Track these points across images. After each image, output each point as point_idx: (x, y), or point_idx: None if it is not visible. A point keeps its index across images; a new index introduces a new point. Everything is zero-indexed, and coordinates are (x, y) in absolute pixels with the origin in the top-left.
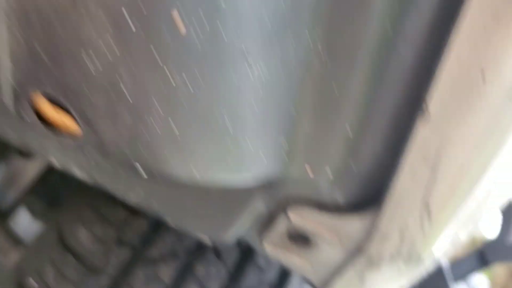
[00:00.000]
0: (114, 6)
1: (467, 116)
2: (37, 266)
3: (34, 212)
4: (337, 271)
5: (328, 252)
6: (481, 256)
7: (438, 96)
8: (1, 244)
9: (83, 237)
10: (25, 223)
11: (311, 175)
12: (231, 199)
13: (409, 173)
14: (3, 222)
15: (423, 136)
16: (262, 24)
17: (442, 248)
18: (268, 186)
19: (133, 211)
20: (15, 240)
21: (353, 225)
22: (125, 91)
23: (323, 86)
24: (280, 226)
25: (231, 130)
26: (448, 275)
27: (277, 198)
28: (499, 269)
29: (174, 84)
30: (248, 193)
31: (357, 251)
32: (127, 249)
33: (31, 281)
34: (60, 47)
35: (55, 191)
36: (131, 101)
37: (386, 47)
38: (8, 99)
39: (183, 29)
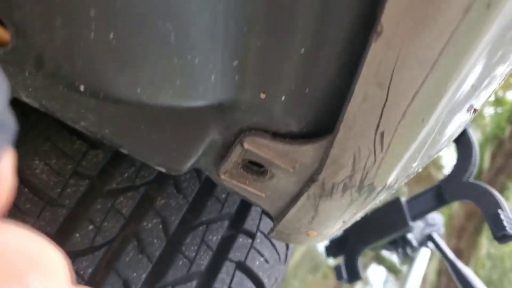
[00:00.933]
0: None
1: (422, 33)
2: None
3: None
4: (292, 200)
5: (282, 181)
6: (438, 194)
7: (392, 13)
8: None
9: (39, 170)
10: None
11: (265, 103)
12: (186, 129)
13: (362, 97)
14: None
15: (376, 55)
16: None
17: (396, 178)
18: (221, 112)
19: (91, 144)
20: None
21: (307, 153)
22: None
23: (274, 17)
24: (235, 156)
25: (176, 46)
26: (407, 212)
27: (231, 126)
28: (456, 211)
29: None
30: (202, 122)
31: (311, 180)
32: (85, 181)
33: None
34: None
35: None
36: (66, 8)
37: None
38: None
39: None
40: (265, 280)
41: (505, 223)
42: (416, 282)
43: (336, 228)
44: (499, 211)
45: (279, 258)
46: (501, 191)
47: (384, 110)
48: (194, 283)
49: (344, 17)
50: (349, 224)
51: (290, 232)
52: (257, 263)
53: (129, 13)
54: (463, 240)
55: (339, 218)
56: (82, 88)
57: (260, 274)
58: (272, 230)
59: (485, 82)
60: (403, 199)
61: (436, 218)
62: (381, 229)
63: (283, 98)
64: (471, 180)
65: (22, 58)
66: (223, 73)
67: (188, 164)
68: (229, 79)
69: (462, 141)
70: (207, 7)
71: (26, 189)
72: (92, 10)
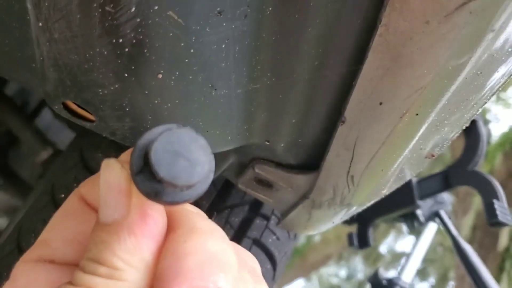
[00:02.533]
0: None
1: (372, 126)
2: (65, 183)
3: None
4: (292, 206)
5: (284, 194)
6: (445, 178)
7: (351, 110)
8: (31, 144)
9: (100, 161)
10: (52, 124)
11: (269, 147)
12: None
13: (335, 154)
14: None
15: (342, 133)
16: (223, 63)
17: (369, 199)
18: (238, 151)
19: None
20: (43, 140)
21: (301, 180)
22: None
23: (272, 98)
24: (249, 175)
25: (206, 125)
26: (416, 191)
27: (245, 155)
28: (498, 168)
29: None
30: (224, 152)
31: (304, 197)
32: None
33: (63, 197)
34: None
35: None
36: (132, 112)
37: (316, 76)
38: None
39: None
40: (276, 254)
41: (497, 212)
42: (420, 253)
43: (327, 226)
44: (495, 200)
45: (289, 236)
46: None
47: (352, 163)
48: None
49: (320, 109)
50: (337, 223)
51: (292, 226)
52: (270, 240)
53: (176, 115)
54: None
55: (328, 221)
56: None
57: (272, 249)
58: (279, 222)
59: (428, 146)
60: (414, 179)
61: (445, 197)
62: (392, 204)
63: (282, 145)
64: (476, 169)
65: (102, 130)
66: (237, 132)
67: (215, 175)
68: (243, 135)
69: (471, 132)
70: (227, 107)
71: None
72: (148, 115)
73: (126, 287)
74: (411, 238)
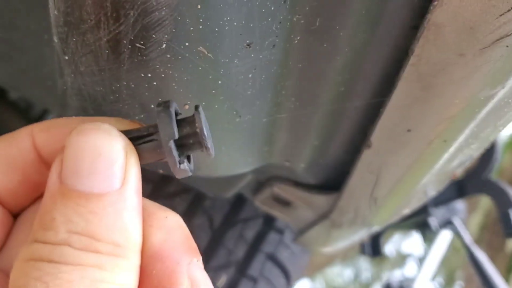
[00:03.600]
0: None
1: (398, 152)
2: None
3: None
4: (310, 225)
5: (303, 212)
6: (460, 186)
7: (378, 136)
8: None
9: None
10: None
11: (289, 167)
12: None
13: (359, 177)
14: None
15: (367, 158)
16: (254, 99)
17: (389, 219)
18: (257, 170)
19: None
20: None
21: (321, 200)
22: None
23: (295, 121)
24: (267, 193)
25: (228, 148)
26: (429, 199)
27: (264, 174)
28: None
29: None
30: (243, 175)
31: (324, 216)
32: (149, 185)
33: None
34: None
35: None
36: None
37: (341, 101)
38: None
39: None
40: (290, 269)
41: None
42: (434, 261)
43: (346, 245)
44: (510, 211)
45: (304, 250)
46: None
47: (376, 186)
48: (232, 269)
49: (345, 132)
50: (356, 241)
51: (309, 244)
52: (285, 254)
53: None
54: None
55: (348, 240)
56: None
57: (287, 264)
58: (295, 239)
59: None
60: None
61: (459, 205)
62: None
63: (302, 165)
64: (491, 177)
65: None
66: (258, 154)
67: (231, 193)
68: (263, 156)
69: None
70: (249, 134)
71: None
72: None
73: (130, 265)
74: (417, 239)
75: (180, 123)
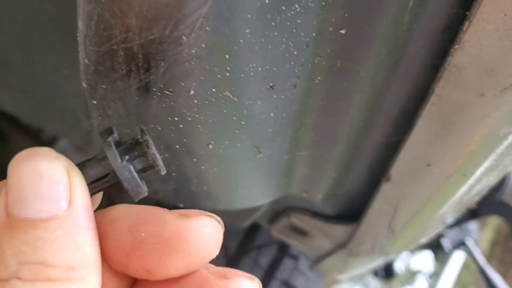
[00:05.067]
0: None
1: (417, 186)
2: None
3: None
4: (327, 254)
5: (319, 242)
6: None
7: (397, 169)
8: None
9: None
10: (68, 153)
11: (307, 198)
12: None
13: (377, 209)
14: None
15: (385, 191)
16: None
17: (406, 248)
18: (274, 201)
19: None
20: None
21: (339, 230)
22: None
23: (314, 155)
24: (284, 223)
25: (248, 183)
26: None
27: (281, 203)
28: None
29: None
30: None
31: (341, 246)
32: None
33: None
34: None
35: None
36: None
37: (360, 136)
38: None
39: None
40: None
41: None
42: (447, 283)
43: (362, 272)
44: None
45: (318, 276)
46: None
47: (394, 218)
48: None
49: (364, 165)
50: (374, 268)
51: (326, 272)
52: (300, 281)
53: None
54: None
55: (364, 268)
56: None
57: None
58: (311, 267)
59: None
60: None
61: (472, 225)
62: None
63: (320, 196)
64: (505, 198)
65: None
66: (276, 186)
67: (247, 224)
68: (282, 188)
69: None
70: (269, 169)
71: None
72: (194, 179)
73: (90, 286)
74: (426, 255)
75: (127, 146)
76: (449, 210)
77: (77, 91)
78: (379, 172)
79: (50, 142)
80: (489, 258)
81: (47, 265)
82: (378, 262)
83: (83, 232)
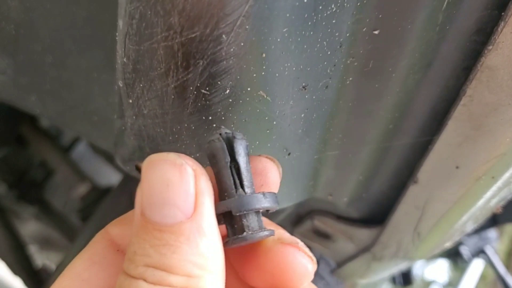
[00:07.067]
0: None
1: (445, 188)
2: None
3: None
4: (350, 258)
5: (343, 245)
6: (493, 215)
7: (425, 172)
8: (66, 176)
9: None
10: (87, 157)
11: (332, 201)
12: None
13: (403, 212)
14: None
15: (412, 193)
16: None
17: (431, 253)
18: (298, 204)
19: None
20: (79, 173)
21: (363, 233)
22: None
23: (341, 157)
24: (307, 226)
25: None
26: None
27: (304, 206)
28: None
29: None
30: (284, 209)
31: (365, 250)
32: None
33: None
34: None
35: None
36: None
37: (389, 138)
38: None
39: None
40: None
41: None
42: None
43: (384, 277)
44: None
45: (338, 281)
46: None
47: (420, 221)
48: None
49: (391, 168)
50: (393, 274)
51: (348, 276)
52: (320, 285)
53: None
54: None
55: (387, 272)
56: None
57: None
58: (332, 271)
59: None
60: None
61: (491, 233)
62: None
63: (345, 199)
64: None
65: None
66: (303, 188)
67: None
68: (307, 190)
69: None
70: (297, 169)
71: None
72: None
73: None
74: (441, 265)
75: None
76: (475, 215)
77: (105, 93)
78: (406, 174)
79: (69, 147)
80: (506, 267)
81: (169, 271)
82: (400, 267)
83: (207, 239)
